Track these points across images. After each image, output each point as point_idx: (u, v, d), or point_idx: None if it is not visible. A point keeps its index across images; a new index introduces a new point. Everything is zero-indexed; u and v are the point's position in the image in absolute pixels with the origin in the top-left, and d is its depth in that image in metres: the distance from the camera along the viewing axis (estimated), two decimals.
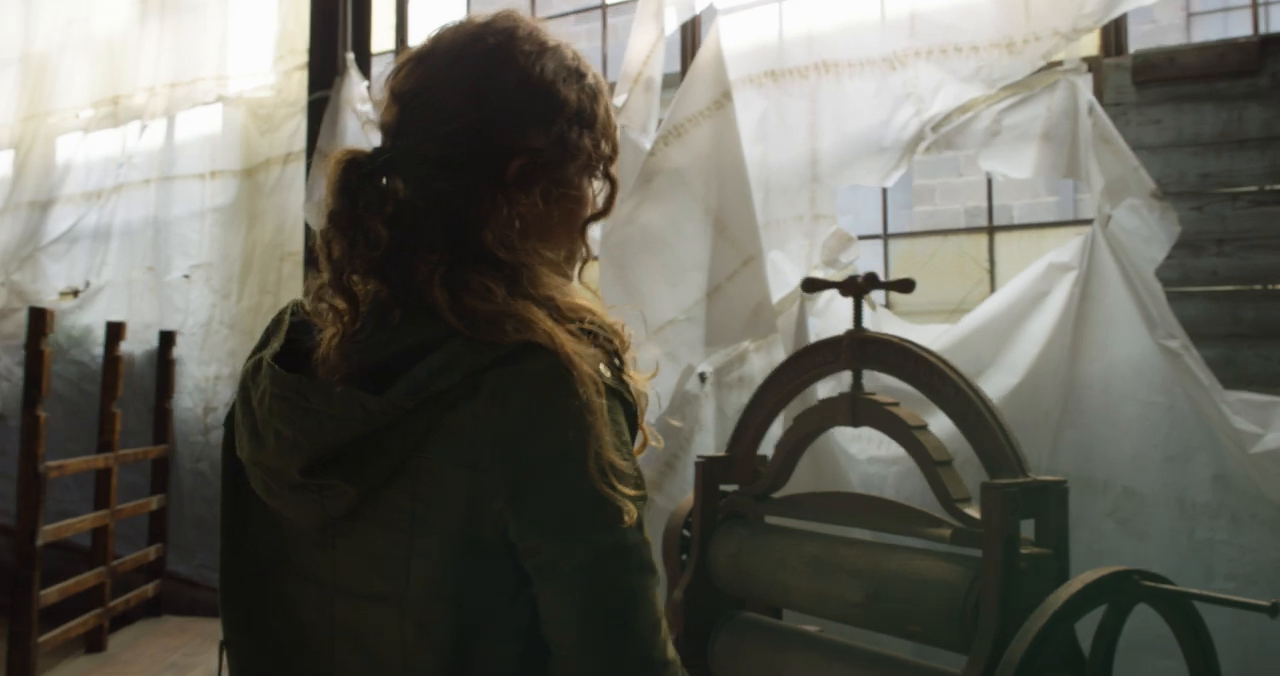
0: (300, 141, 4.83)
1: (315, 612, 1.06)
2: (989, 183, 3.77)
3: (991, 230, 3.72)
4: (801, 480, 3.17)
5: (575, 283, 1.14)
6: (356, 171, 1.03)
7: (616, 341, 1.06)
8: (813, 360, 2.40)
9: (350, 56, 4.69)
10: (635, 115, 3.55)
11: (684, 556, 2.58)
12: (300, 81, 4.85)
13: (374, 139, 4.64)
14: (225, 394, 4.98)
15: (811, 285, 2.40)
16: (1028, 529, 1.98)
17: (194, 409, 5.03)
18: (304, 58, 4.85)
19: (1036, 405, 3.03)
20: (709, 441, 3.47)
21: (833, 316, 3.28)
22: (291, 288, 4.90)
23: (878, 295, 4.36)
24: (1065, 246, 3.05)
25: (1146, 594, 1.80)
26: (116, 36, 5.42)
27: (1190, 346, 2.67)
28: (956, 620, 1.92)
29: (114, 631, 4.29)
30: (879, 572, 2.10)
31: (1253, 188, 3.11)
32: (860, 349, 2.28)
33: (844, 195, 4.19)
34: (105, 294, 5.40)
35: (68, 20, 5.58)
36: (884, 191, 3.82)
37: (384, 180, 1.04)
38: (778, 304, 3.30)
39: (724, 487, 2.52)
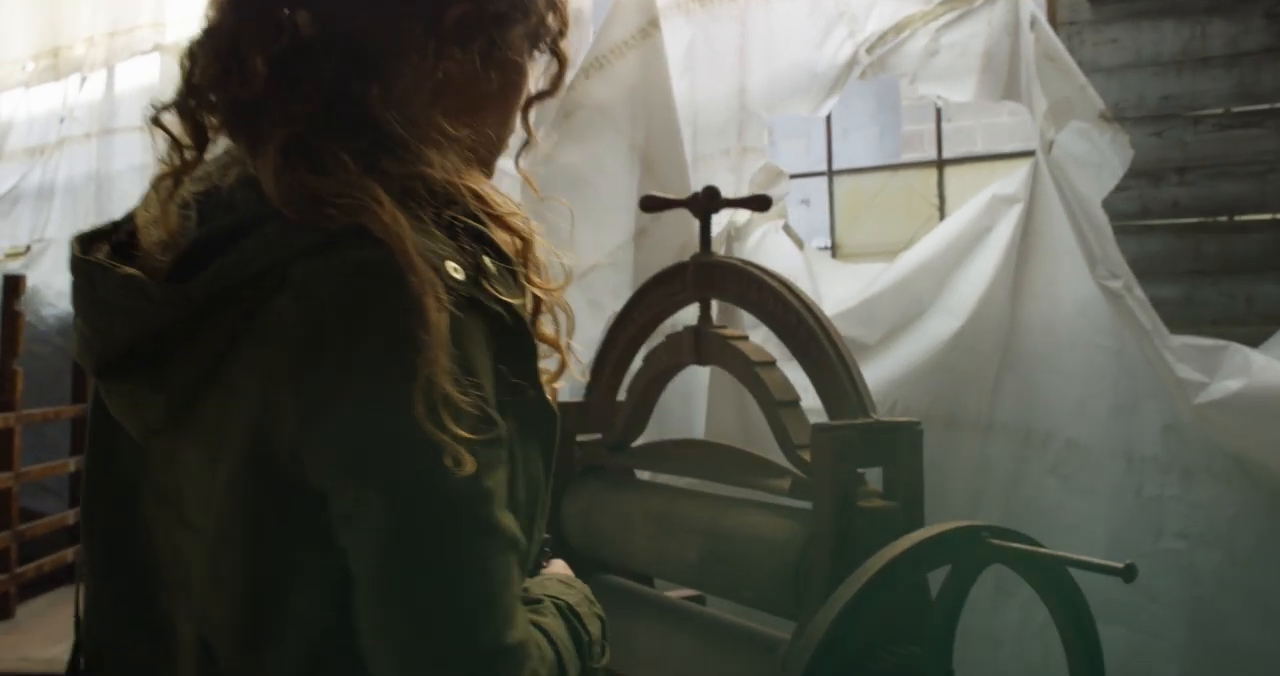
0: None
1: (164, 540, 0.89)
2: (937, 112, 3.52)
3: (941, 164, 3.47)
4: (728, 432, 2.97)
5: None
6: None
7: (508, 237, 0.89)
8: (661, 291, 2.16)
9: None
10: (570, 51, 3.31)
11: None
12: None
13: None
14: None
15: (650, 204, 2.16)
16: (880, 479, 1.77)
17: None
18: None
19: (979, 351, 2.80)
20: (677, 402, 3.26)
21: (764, 256, 3.04)
22: None
23: (817, 235, 4.12)
24: (1011, 176, 2.81)
25: (995, 554, 1.54)
26: None
27: (1134, 286, 2.42)
28: (789, 585, 1.71)
29: (25, 599, 4.12)
30: (716, 530, 1.90)
31: (1217, 110, 2.85)
32: (706, 276, 2.04)
33: (798, 131, 3.95)
34: (50, 253, 5.21)
35: None
36: (828, 127, 3.57)
37: (286, 10, 0.86)
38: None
39: (586, 438, 2.31)
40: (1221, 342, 2.36)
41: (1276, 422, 2.28)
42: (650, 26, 3.08)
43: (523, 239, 0.91)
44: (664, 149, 3.06)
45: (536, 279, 0.92)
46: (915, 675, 1.54)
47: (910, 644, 1.56)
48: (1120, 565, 1.37)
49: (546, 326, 0.97)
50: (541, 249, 0.94)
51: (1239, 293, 2.85)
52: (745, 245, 3.03)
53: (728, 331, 2.06)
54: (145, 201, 0.90)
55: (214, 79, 0.85)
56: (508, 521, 0.81)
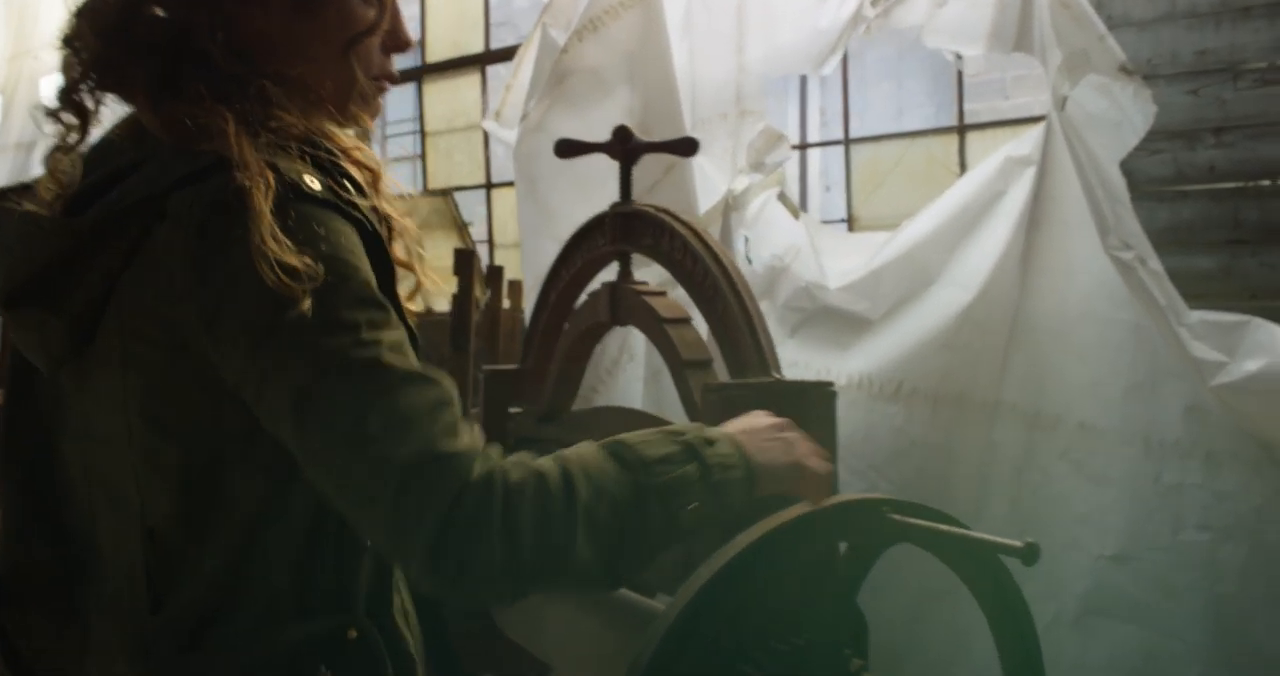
0: None
1: (78, 465, 1.05)
2: (959, 75, 3.29)
3: (962, 130, 3.25)
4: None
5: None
6: None
7: (357, 170, 1.04)
8: (585, 245, 1.99)
9: None
10: (563, 12, 3.17)
11: None
12: None
13: None
14: None
15: (564, 148, 1.98)
16: None
17: None
18: None
19: (990, 327, 2.60)
20: (639, 371, 3.12)
21: (764, 226, 2.87)
22: None
23: (830, 207, 3.94)
24: (1025, 136, 2.59)
25: (895, 531, 1.32)
26: None
27: (1149, 257, 2.21)
28: (682, 568, 1.53)
29: None
30: None
31: (1259, 64, 2.60)
32: (624, 226, 1.86)
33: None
34: None
35: None
36: (844, 91, 3.37)
37: None
38: (705, 215, 2.90)
39: (519, 409, 2.16)
40: (1244, 318, 2.14)
41: None
42: None
43: (370, 170, 1.06)
44: (661, 115, 2.90)
45: (388, 206, 1.06)
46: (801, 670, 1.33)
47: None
48: (1020, 544, 1.18)
49: (400, 253, 1.09)
50: (389, 181, 1.09)
51: None
52: (744, 215, 2.86)
53: (643, 286, 1.87)
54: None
55: (80, 57, 1.01)
56: (403, 361, 0.93)
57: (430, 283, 1.15)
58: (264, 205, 0.89)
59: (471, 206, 5.01)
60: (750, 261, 2.91)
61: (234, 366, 0.92)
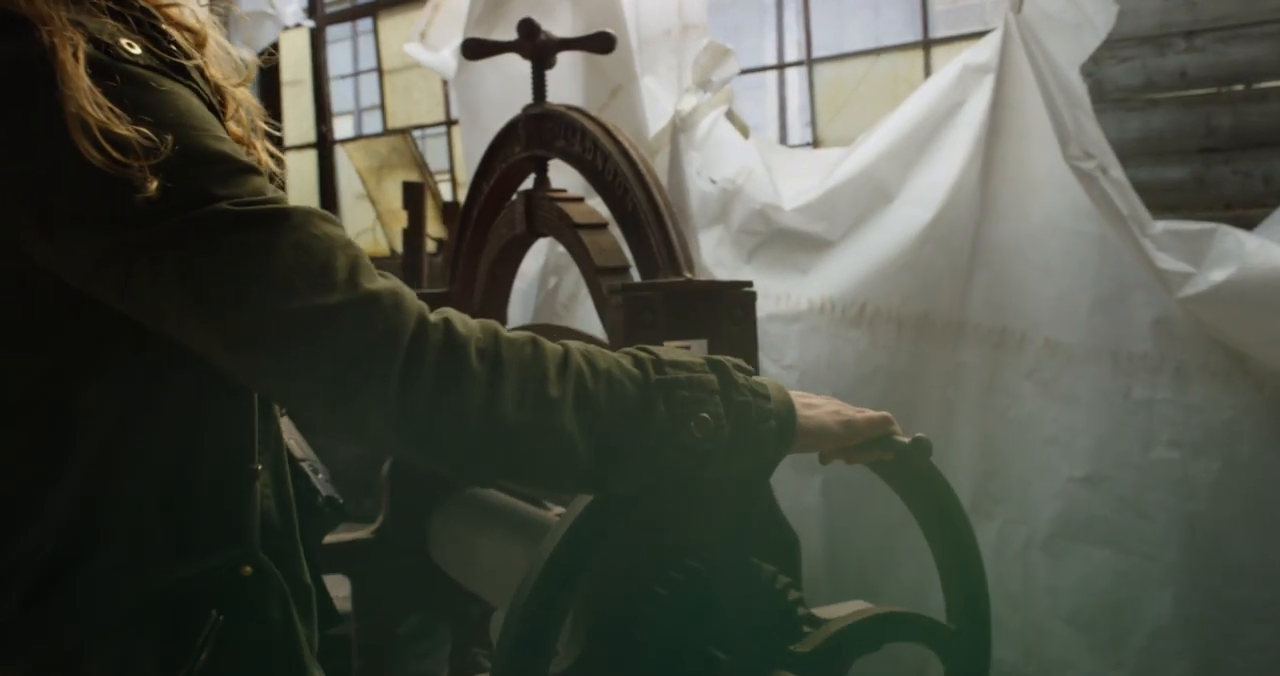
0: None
1: None
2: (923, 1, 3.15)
3: (927, 44, 3.11)
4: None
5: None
6: None
7: (176, 30, 0.89)
8: (501, 155, 1.85)
9: None
10: None
11: None
12: None
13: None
14: None
15: (471, 48, 1.85)
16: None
17: None
18: None
19: (952, 245, 2.49)
20: None
21: (714, 148, 2.75)
22: None
23: (761, 122, 3.82)
24: (983, 42, 2.46)
25: None
26: None
27: (1111, 166, 2.09)
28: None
29: None
30: None
31: None
32: (537, 129, 1.72)
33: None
34: None
35: None
36: (806, 8, 3.23)
37: None
38: (654, 139, 2.78)
39: None
40: (1210, 225, 2.03)
41: (1273, 314, 1.96)
42: None
43: (194, 32, 0.92)
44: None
45: (215, 72, 0.92)
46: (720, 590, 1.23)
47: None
48: (906, 439, 1.09)
49: (234, 128, 0.95)
50: (216, 43, 0.94)
51: (1255, 171, 2.49)
52: (693, 136, 2.74)
53: (558, 193, 1.75)
54: None
55: None
56: (293, 206, 0.81)
57: (268, 162, 0.99)
58: (76, 66, 0.75)
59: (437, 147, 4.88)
60: (715, 182, 2.78)
61: (81, 263, 0.78)
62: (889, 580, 2.63)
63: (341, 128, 5.23)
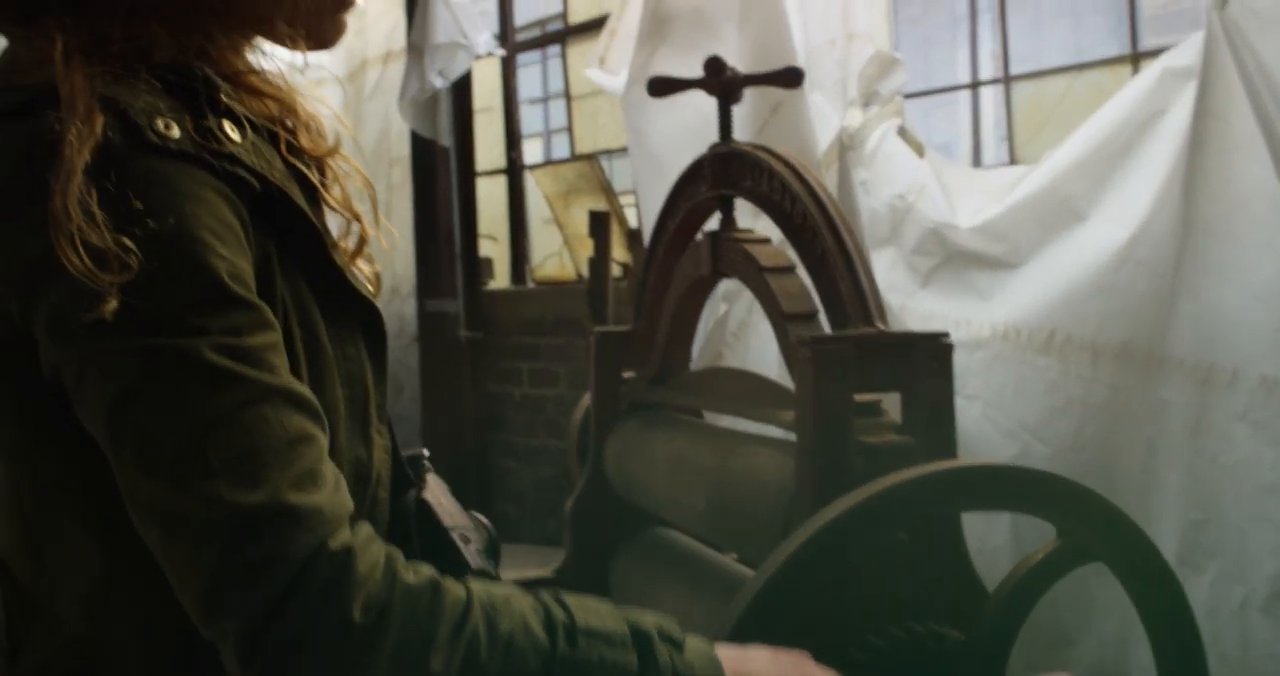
0: (400, 40, 4.57)
1: None
2: (1130, 2, 2.87)
3: (1135, 58, 2.82)
4: None
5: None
6: None
7: (259, 102, 0.80)
8: (687, 193, 1.82)
9: None
10: None
11: None
12: None
13: (469, 30, 4.31)
14: None
15: (657, 86, 1.81)
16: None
17: None
18: None
19: (1153, 267, 2.24)
20: (765, 328, 2.90)
21: (884, 163, 2.58)
22: (402, 194, 4.70)
23: (952, 140, 3.58)
24: (1185, 45, 2.20)
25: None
26: None
27: None
28: (781, 534, 1.36)
29: None
30: (721, 474, 1.58)
31: None
32: (723, 168, 1.69)
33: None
34: None
35: None
36: (1002, 23, 3.00)
37: None
38: (824, 155, 2.65)
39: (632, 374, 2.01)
40: None
41: None
42: None
43: (278, 101, 0.82)
44: (772, 51, 2.65)
45: (306, 142, 0.82)
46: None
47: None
48: None
49: (336, 198, 0.86)
50: (310, 113, 0.85)
51: None
52: (861, 153, 2.58)
53: (745, 234, 1.71)
54: None
55: None
56: (265, 373, 0.70)
57: (384, 231, 0.91)
58: (78, 159, 0.67)
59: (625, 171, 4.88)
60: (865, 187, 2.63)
61: (49, 355, 0.71)
62: (1088, 631, 2.39)
63: (531, 151, 5.32)
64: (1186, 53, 2.18)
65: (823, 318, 1.52)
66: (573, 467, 2.13)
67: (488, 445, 4.68)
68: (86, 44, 0.73)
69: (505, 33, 4.68)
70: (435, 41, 4.30)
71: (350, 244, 0.86)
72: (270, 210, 0.75)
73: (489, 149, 4.77)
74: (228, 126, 0.75)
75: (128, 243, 0.67)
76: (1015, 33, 3.22)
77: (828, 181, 2.63)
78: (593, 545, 1.94)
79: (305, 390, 0.73)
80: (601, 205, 4.53)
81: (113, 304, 0.66)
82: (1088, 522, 1.18)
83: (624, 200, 4.73)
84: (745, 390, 1.71)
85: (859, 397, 1.35)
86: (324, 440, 0.73)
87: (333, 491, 0.72)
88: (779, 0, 2.63)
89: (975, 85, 3.37)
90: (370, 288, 0.87)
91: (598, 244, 3.76)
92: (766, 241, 1.66)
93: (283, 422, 0.70)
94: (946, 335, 1.38)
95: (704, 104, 2.76)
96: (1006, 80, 3.18)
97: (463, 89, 4.58)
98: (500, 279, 4.77)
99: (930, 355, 1.36)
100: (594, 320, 3.46)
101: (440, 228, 4.60)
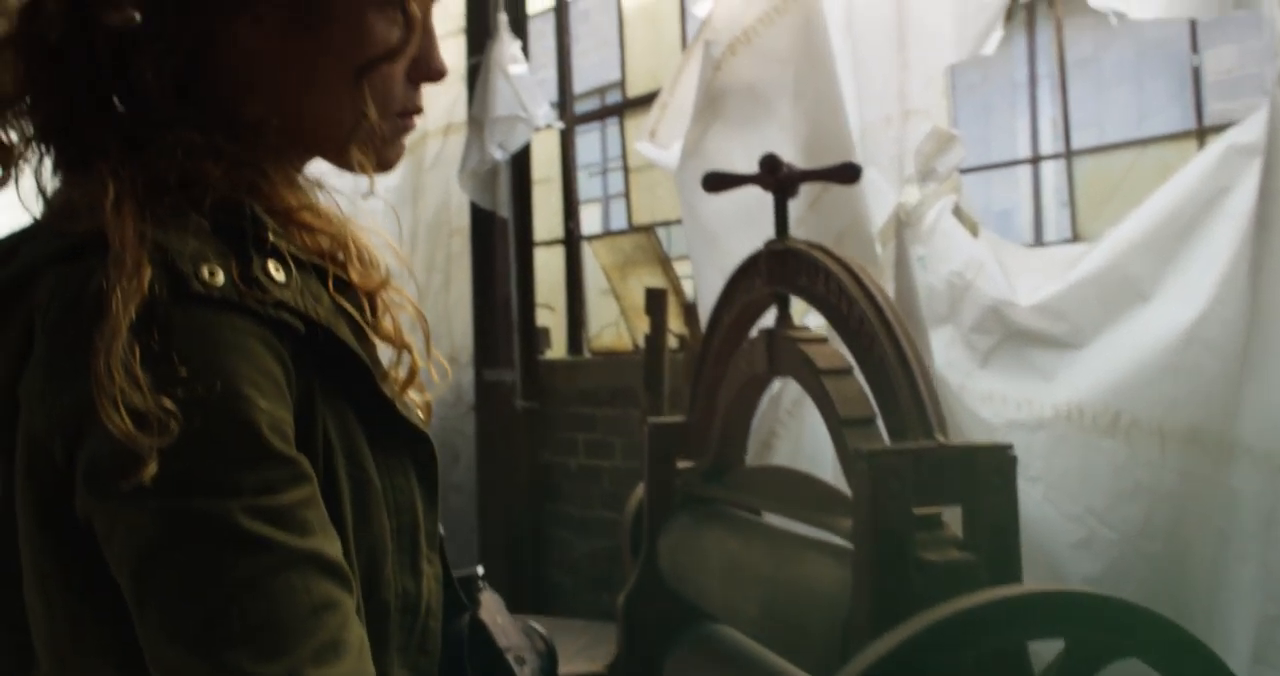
0: (460, 112, 4.65)
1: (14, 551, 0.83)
2: (1194, 71, 2.82)
3: (1202, 132, 2.77)
4: None
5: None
6: None
7: (305, 234, 0.79)
8: (742, 287, 1.81)
9: (502, 18, 4.45)
10: (723, 26, 2.97)
11: None
12: (454, 48, 4.66)
13: (529, 103, 4.37)
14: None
15: (712, 182, 1.81)
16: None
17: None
18: (456, 23, 4.68)
19: (1222, 348, 2.16)
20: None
21: (942, 240, 2.54)
22: (461, 264, 4.75)
23: (1013, 207, 3.54)
24: (1250, 121, 2.15)
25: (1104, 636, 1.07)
26: None
27: None
28: (838, 649, 1.31)
29: None
30: (776, 579, 1.56)
31: None
32: (779, 265, 1.68)
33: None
34: None
35: None
36: (1063, 96, 2.96)
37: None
38: (881, 231, 2.62)
39: (687, 465, 1.98)
40: None
41: None
42: None
43: (329, 235, 0.81)
44: (827, 128, 2.65)
45: (356, 277, 0.81)
46: None
47: None
48: None
49: (387, 328, 0.85)
50: (362, 245, 0.83)
51: None
52: (919, 230, 2.54)
53: (801, 332, 1.69)
54: None
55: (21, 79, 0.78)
56: (297, 537, 0.69)
57: (436, 365, 0.89)
58: (123, 318, 0.67)
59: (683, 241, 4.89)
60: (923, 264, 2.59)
61: (83, 503, 0.71)
62: None
63: (589, 218, 5.35)
64: (1251, 129, 2.13)
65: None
66: (626, 559, 2.09)
67: (542, 515, 4.65)
68: (140, 189, 0.73)
69: (564, 101, 4.74)
70: (495, 114, 4.37)
71: (401, 374, 0.84)
72: (316, 344, 0.75)
73: (547, 219, 4.81)
74: (273, 267, 0.74)
75: (169, 404, 0.66)
76: (1076, 99, 3.18)
77: (884, 258, 2.60)
78: (645, 639, 1.91)
79: (334, 551, 0.72)
80: (659, 277, 4.53)
81: (150, 466, 0.66)
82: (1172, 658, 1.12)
83: (681, 267, 4.74)
84: (801, 492, 1.68)
85: (919, 510, 1.32)
86: (350, 604, 0.72)
87: (355, 660, 0.71)
88: (834, 77, 2.62)
89: (1036, 160, 3.33)
90: (421, 415, 0.86)
91: (654, 322, 3.74)
92: (823, 341, 1.64)
93: (309, 590, 0.69)
94: (1010, 447, 1.35)
95: (746, 192, 2.77)
96: (1068, 154, 3.13)
97: (522, 160, 4.64)
98: (557, 349, 4.77)
99: (993, 469, 1.33)
100: (649, 399, 3.43)
101: (498, 297, 4.63)
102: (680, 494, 2.01)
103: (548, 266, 4.82)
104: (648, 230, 4.60)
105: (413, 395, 0.86)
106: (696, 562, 1.83)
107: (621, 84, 4.85)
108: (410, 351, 0.85)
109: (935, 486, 1.33)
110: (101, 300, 0.68)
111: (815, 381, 1.57)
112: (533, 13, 4.77)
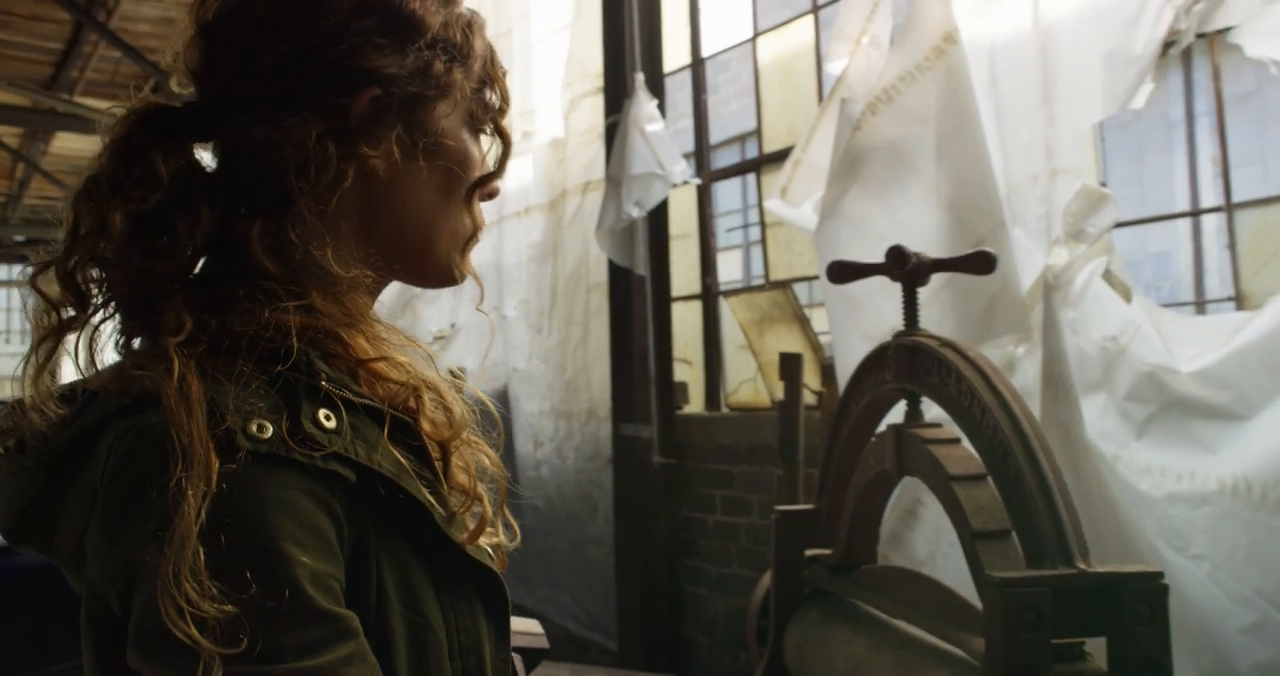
0: (599, 170, 4.72)
1: None
2: None
3: None
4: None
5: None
6: (145, 130, 0.80)
7: (376, 380, 0.79)
8: (872, 378, 1.75)
9: (639, 77, 4.51)
10: (859, 83, 2.95)
11: None
12: (591, 107, 4.74)
13: (666, 160, 4.41)
14: (549, 429, 4.96)
15: (838, 271, 1.76)
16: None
17: (525, 444, 5.07)
18: (594, 83, 4.76)
19: None
20: None
21: (1093, 303, 2.43)
22: (599, 319, 4.78)
23: (1159, 261, 3.36)
24: None
25: None
26: None
27: None
28: None
29: None
30: None
31: None
32: (908, 360, 1.61)
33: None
34: (462, 334, 5.66)
35: None
36: (1222, 144, 2.81)
37: (163, 157, 0.80)
38: (1028, 293, 2.53)
39: (816, 553, 1.92)
40: None
41: None
42: (946, 42, 2.63)
43: (402, 385, 0.81)
44: (970, 185, 2.58)
45: (426, 426, 0.81)
46: None
47: None
48: None
49: (461, 478, 0.84)
50: (437, 391, 0.83)
51: None
52: (1068, 292, 2.44)
53: (932, 430, 1.62)
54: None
55: (86, 233, 0.78)
56: None
57: (500, 530, 0.87)
58: (196, 500, 0.66)
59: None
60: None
61: (131, 655, 0.70)
62: None
63: (729, 266, 5.33)
64: None
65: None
66: (752, 649, 2.04)
67: (679, 571, 4.61)
68: (206, 350, 0.74)
69: (701, 157, 4.76)
70: (632, 172, 4.42)
71: (471, 522, 0.82)
72: (371, 490, 0.74)
73: (684, 273, 4.82)
74: (323, 416, 0.74)
75: (228, 608, 0.65)
76: (1237, 137, 3.01)
77: (1033, 320, 2.50)
78: None
79: None
80: (796, 335, 4.48)
81: (192, 629, 0.65)
82: None
83: (819, 319, 4.67)
84: (932, 600, 1.58)
85: (1058, 641, 1.24)
86: None
87: None
88: (979, 135, 2.56)
89: (1196, 213, 3.17)
90: (490, 553, 0.84)
91: (788, 388, 3.69)
92: (955, 441, 1.56)
93: None
94: (1161, 575, 1.25)
95: (896, 237, 2.71)
96: (1229, 207, 2.97)
97: (659, 216, 4.67)
98: (695, 403, 4.75)
99: (1142, 599, 1.23)
100: (785, 463, 3.38)
101: (636, 351, 4.65)
102: (808, 585, 1.95)
103: (685, 321, 4.82)
104: (785, 286, 4.56)
105: (482, 542, 0.84)
106: (822, 666, 1.76)
107: (758, 138, 4.85)
108: (482, 502, 0.84)
109: (1076, 618, 1.25)
110: (163, 465, 0.67)
111: (945, 488, 1.49)
112: (669, 69, 4.82)
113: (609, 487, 4.78)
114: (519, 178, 5.22)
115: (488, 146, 0.89)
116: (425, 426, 0.81)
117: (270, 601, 0.66)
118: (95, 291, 0.80)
